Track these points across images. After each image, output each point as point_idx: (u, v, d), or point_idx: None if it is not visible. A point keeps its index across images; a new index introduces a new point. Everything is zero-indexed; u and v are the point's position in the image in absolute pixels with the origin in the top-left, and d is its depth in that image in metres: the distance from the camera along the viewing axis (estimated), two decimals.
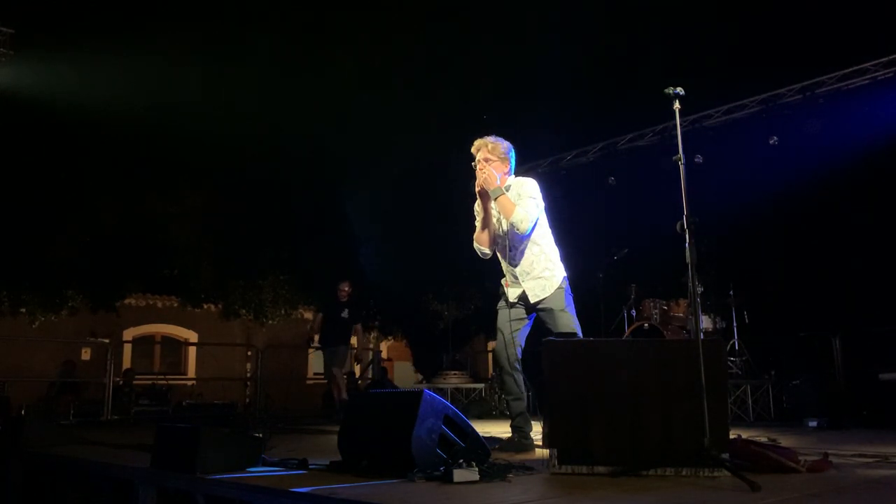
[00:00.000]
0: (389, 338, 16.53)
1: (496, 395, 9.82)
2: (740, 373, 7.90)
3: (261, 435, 3.85)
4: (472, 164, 4.20)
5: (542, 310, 4.12)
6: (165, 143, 11.34)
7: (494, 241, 4.23)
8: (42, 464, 4.38)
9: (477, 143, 4.23)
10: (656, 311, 8.36)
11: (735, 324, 8.24)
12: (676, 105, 3.37)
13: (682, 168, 3.33)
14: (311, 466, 3.41)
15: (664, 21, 9.56)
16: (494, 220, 4.20)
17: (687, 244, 3.20)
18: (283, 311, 14.29)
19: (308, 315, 15.79)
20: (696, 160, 8.96)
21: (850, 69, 8.27)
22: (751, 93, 9.04)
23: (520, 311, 4.17)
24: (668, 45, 9.41)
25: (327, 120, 11.61)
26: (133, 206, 12.00)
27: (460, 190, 12.12)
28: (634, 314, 8.58)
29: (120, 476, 3.66)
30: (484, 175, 4.08)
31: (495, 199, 4.08)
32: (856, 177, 7.88)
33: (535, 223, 4.10)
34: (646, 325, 8.22)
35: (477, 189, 4.13)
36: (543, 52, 10.32)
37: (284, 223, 13.08)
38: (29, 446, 4.58)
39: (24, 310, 12.26)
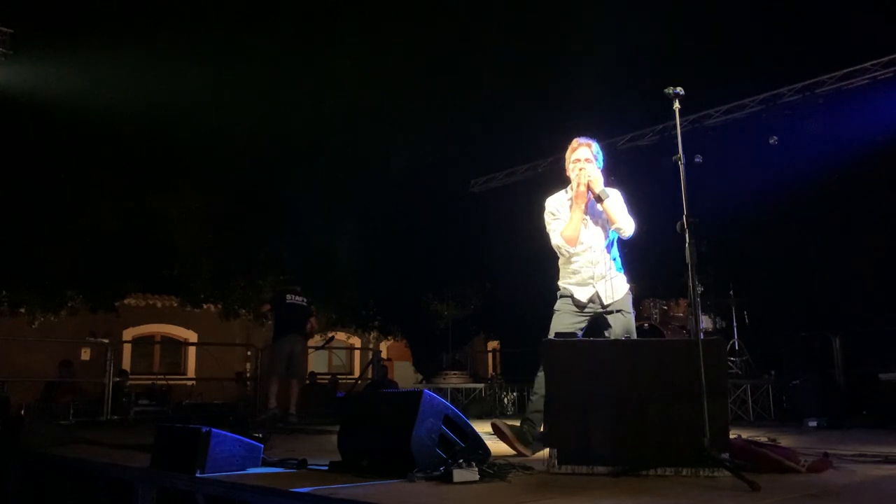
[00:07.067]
0: (389, 338, 16.52)
1: (496, 395, 9.83)
2: (740, 373, 7.90)
3: (261, 435, 3.85)
4: (571, 162, 4.20)
5: (610, 312, 4.11)
6: (165, 142, 11.33)
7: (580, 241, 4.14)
8: (42, 464, 4.38)
9: (580, 141, 4.21)
10: (656, 311, 8.37)
11: (735, 324, 8.24)
12: (676, 105, 3.38)
13: (681, 168, 3.33)
14: (310, 466, 3.42)
15: (664, 21, 9.54)
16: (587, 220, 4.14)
17: (687, 244, 3.21)
18: None
19: None
20: (696, 160, 8.95)
21: (850, 69, 8.27)
22: (751, 93, 9.03)
23: (581, 318, 4.15)
24: (668, 45, 9.40)
25: (328, 120, 11.60)
26: (133, 206, 11.97)
27: (461, 190, 12.20)
28: (634, 314, 8.57)
29: (120, 476, 3.67)
30: (592, 176, 4.06)
31: (601, 202, 4.04)
32: (856, 176, 7.87)
33: None
34: (646, 325, 8.22)
35: (580, 188, 4.06)
36: (543, 52, 10.31)
37: (284, 223, 13.06)
38: (29, 446, 4.58)
39: (23, 310, 12.26)
